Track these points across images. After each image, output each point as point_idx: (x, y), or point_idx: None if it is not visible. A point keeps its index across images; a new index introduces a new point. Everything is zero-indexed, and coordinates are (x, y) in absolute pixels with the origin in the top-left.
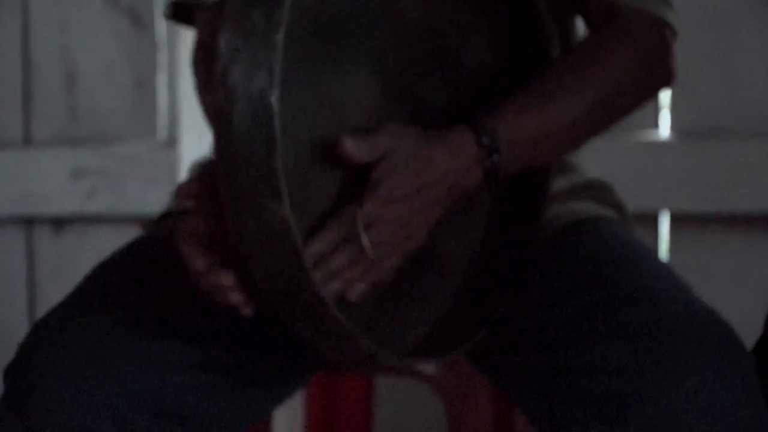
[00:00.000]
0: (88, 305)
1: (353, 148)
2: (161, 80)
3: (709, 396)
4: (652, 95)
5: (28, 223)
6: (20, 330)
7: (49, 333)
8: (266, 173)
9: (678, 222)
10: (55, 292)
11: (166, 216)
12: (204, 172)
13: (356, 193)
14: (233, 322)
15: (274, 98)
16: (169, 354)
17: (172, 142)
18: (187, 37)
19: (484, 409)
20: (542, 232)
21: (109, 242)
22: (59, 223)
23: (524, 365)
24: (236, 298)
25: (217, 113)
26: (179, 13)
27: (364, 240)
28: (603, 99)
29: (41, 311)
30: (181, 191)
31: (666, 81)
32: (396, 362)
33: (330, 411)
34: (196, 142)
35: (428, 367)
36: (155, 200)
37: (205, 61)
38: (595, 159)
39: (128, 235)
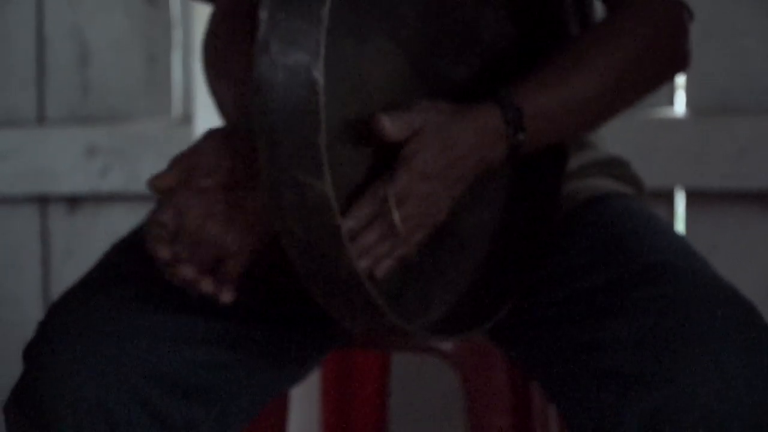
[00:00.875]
0: (105, 283)
1: (389, 125)
2: (175, 57)
3: (729, 371)
4: (669, 77)
5: (42, 201)
6: (34, 308)
7: (66, 312)
8: (308, 148)
9: (693, 198)
10: (68, 270)
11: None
12: (179, 162)
13: (386, 169)
14: (251, 298)
15: (318, 72)
16: (186, 330)
17: (186, 119)
18: (202, 15)
19: (500, 383)
20: (560, 208)
21: (122, 221)
22: (73, 201)
23: (542, 340)
24: (208, 287)
25: (256, 84)
26: None
27: (396, 216)
28: (622, 78)
29: (55, 289)
30: (155, 184)
31: (682, 63)
32: (423, 336)
33: (345, 386)
34: (211, 119)
35: (450, 343)
36: None
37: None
38: (610, 136)
39: (142, 213)
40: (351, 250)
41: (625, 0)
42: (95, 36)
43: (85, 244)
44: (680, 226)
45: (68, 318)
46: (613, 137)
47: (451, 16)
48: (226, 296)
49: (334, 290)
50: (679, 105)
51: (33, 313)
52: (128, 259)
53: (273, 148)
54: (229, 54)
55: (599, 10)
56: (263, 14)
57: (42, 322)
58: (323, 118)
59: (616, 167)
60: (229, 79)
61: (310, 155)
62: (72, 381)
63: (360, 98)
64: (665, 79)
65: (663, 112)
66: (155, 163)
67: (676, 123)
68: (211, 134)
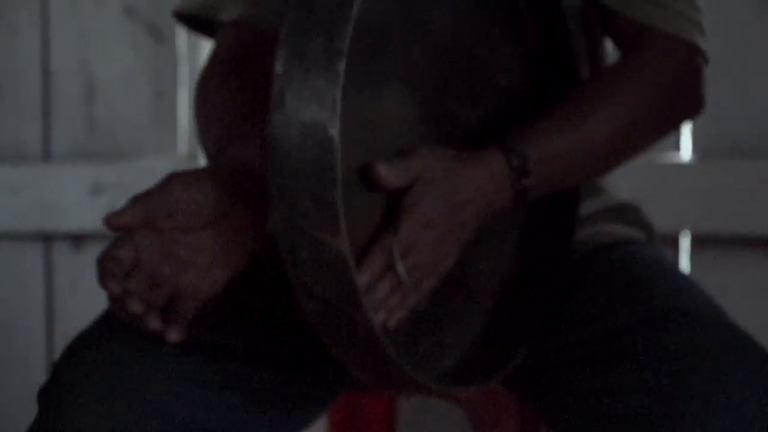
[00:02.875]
0: (119, 325)
1: (386, 173)
2: (181, 94)
3: (744, 417)
4: (682, 121)
5: (47, 239)
6: (39, 346)
7: (82, 353)
8: (325, 205)
9: (699, 242)
10: (73, 309)
11: None
12: (139, 202)
13: (392, 219)
14: (263, 344)
15: (335, 130)
16: (201, 373)
17: (192, 156)
18: (208, 50)
19: (511, 427)
20: (573, 254)
21: None
22: (78, 239)
23: (555, 385)
24: (155, 324)
25: (272, 140)
26: (194, 23)
27: (400, 269)
28: (632, 123)
29: (59, 329)
30: (112, 221)
31: (696, 107)
32: (438, 389)
33: (352, 429)
34: None
35: (465, 392)
36: None
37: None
38: (617, 180)
39: None
40: (367, 306)
41: (640, 44)
42: (101, 72)
43: (90, 282)
44: (686, 270)
45: (83, 360)
46: (619, 181)
47: (463, 60)
48: (173, 335)
49: (350, 345)
50: (685, 148)
51: (37, 351)
52: None
53: (288, 205)
54: (219, 97)
55: (610, 50)
56: (278, 68)
57: (57, 364)
58: (339, 176)
59: (628, 213)
60: (214, 121)
61: (327, 213)
62: (88, 423)
63: (371, 147)
64: (678, 124)
65: (669, 156)
66: None
67: (682, 167)
68: (174, 176)
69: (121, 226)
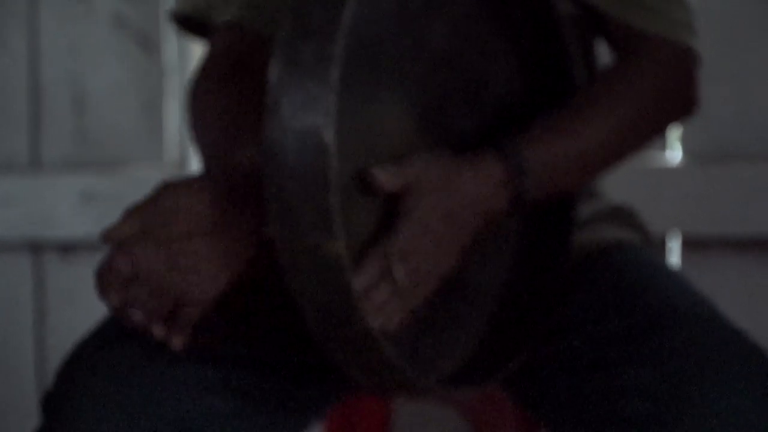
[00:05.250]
0: (122, 332)
1: (382, 178)
2: (171, 104)
3: (746, 417)
4: (677, 122)
5: (36, 248)
6: (28, 355)
7: (83, 361)
8: (321, 210)
9: (689, 245)
10: (63, 319)
11: None
12: (133, 214)
13: (390, 224)
14: (260, 350)
15: (329, 136)
16: (204, 379)
17: (181, 165)
18: (197, 60)
19: (509, 428)
20: (571, 258)
21: None
22: (68, 248)
23: (554, 389)
24: (159, 332)
25: (267, 147)
26: (189, 25)
27: (398, 273)
28: (628, 126)
29: (49, 338)
30: (110, 235)
31: (690, 109)
32: (439, 391)
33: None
34: None
35: (465, 395)
36: None
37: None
38: (607, 183)
39: None
40: (364, 311)
41: (634, 48)
42: (90, 82)
43: (81, 292)
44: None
45: (87, 367)
46: (610, 184)
47: (460, 70)
48: (177, 342)
49: (350, 350)
50: (676, 151)
51: (27, 360)
52: None
53: (285, 211)
54: (213, 100)
55: (604, 54)
56: (273, 76)
57: (60, 372)
58: (335, 181)
59: (624, 216)
60: (209, 125)
61: (323, 217)
62: (93, 430)
63: (369, 154)
64: (672, 125)
65: (660, 159)
66: None
67: (673, 170)
68: (166, 186)
69: (118, 239)
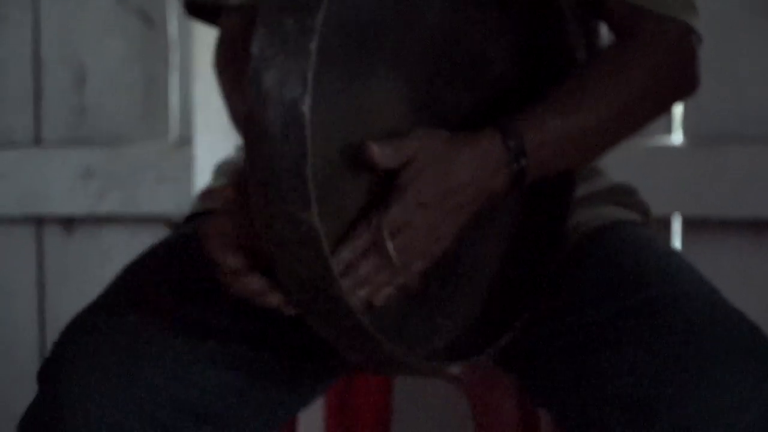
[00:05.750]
0: (118, 305)
1: (378, 153)
2: (173, 80)
3: (742, 396)
4: (677, 101)
5: (38, 223)
6: (29, 329)
7: (81, 334)
8: (297, 181)
9: (689, 226)
10: (64, 293)
11: (193, 217)
12: (236, 175)
13: (383, 199)
14: (262, 324)
15: (306, 107)
16: (200, 354)
17: (184, 142)
18: (200, 37)
19: (509, 408)
20: (568, 237)
21: (118, 243)
22: (69, 223)
23: (552, 368)
24: (275, 299)
25: (247, 118)
26: (198, 10)
27: (389, 247)
28: (628, 105)
29: (50, 312)
30: (211, 195)
31: (691, 87)
32: (424, 366)
33: (348, 407)
34: (210, 142)
35: (454, 370)
36: (166, 201)
37: (234, 64)
38: (608, 164)
39: (138, 236)
40: (341, 281)
41: (634, 27)
42: (92, 58)
43: (81, 266)
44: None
45: (83, 341)
46: (611, 165)
47: (458, 48)
48: (290, 309)
49: (330, 322)
50: (676, 133)
51: (28, 335)
52: (143, 281)
53: (264, 180)
54: (230, 82)
55: (605, 35)
56: (254, 49)
57: (56, 344)
58: (310, 151)
59: (624, 195)
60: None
61: (299, 188)
62: (88, 405)
63: (362, 130)
64: (672, 104)
65: (660, 140)
66: (152, 185)
67: (673, 151)
68: None
69: (222, 200)
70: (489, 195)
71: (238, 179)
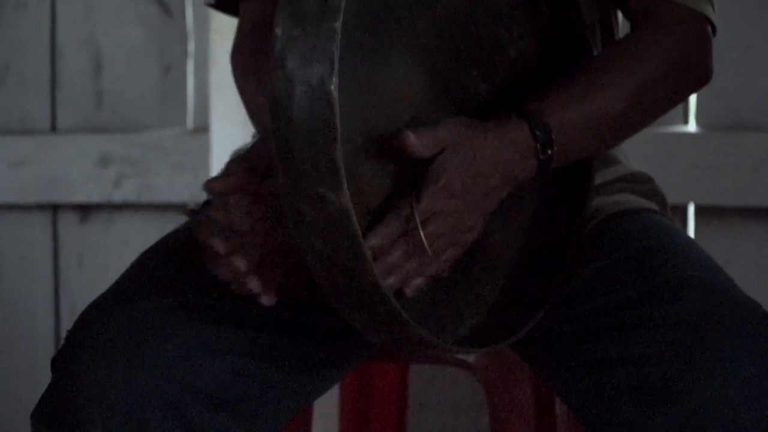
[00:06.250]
0: (135, 292)
1: (415, 142)
2: (189, 68)
3: (755, 384)
4: (692, 91)
5: (54, 210)
6: (45, 316)
7: (96, 320)
8: (326, 161)
9: (704, 214)
10: (80, 279)
11: (209, 204)
12: (236, 164)
13: (410, 186)
14: (279, 311)
15: (333, 86)
16: (217, 340)
17: (200, 130)
18: (217, 26)
19: (525, 395)
20: (586, 224)
21: (134, 230)
22: (85, 210)
23: (567, 354)
24: (253, 284)
25: (273, 99)
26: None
27: (422, 235)
28: (644, 92)
29: (66, 298)
30: (212, 187)
31: (705, 77)
32: (451, 350)
33: (364, 397)
34: (226, 130)
35: (474, 355)
36: (182, 188)
37: (254, 54)
38: (624, 152)
39: (154, 223)
40: (372, 262)
41: (650, 15)
42: (109, 46)
43: (97, 253)
44: None
45: (98, 328)
46: (627, 152)
47: (474, 32)
48: (268, 299)
49: (357, 303)
50: (690, 121)
51: (44, 321)
52: (159, 268)
53: (291, 162)
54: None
55: (622, 24)
56: (278, 30)
57: (71, 331)
58: (339, 131)
59: (641, 182)
60: (251, 97)
61: (328, 168)
62: (104, 391)
63: (384, 114)
64: (689, 93)
65: (674, 128)
66: (168, 173)
67: (688, 139)
68: (259, 141)
69: (222, 192)
70: (516, 182)
71: (234, 167)
